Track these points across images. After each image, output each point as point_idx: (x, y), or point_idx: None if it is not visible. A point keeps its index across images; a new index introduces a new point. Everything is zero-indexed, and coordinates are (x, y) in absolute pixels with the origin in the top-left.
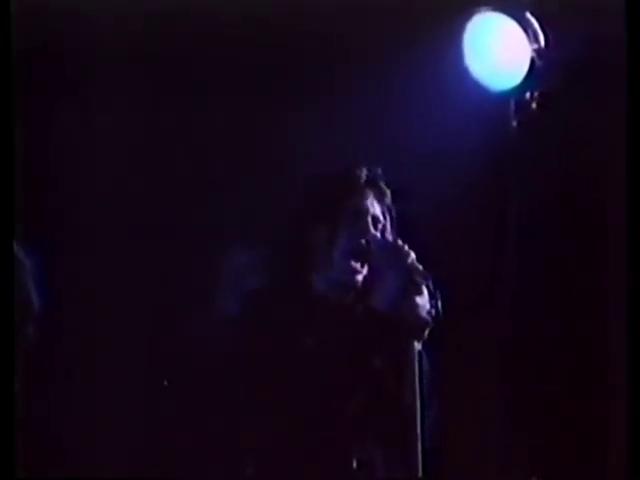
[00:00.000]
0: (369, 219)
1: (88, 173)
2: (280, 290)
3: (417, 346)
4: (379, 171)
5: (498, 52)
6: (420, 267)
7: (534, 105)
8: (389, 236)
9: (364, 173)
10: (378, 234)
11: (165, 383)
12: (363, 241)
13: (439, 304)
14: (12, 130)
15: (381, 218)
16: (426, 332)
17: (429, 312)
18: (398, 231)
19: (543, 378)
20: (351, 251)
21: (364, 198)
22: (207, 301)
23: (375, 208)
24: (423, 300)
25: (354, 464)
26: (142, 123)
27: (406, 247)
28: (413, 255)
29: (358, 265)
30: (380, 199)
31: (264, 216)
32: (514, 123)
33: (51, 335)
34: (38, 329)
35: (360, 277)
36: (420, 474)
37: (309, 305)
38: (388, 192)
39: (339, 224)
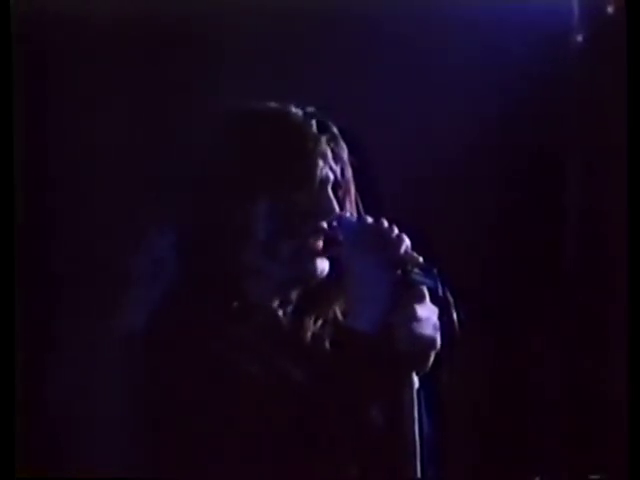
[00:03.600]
0: (329, 189)
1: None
2: (202, 292)
3: (416, 382)
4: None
5: None
6: (419, 258)
7: None
8: (357, 213)
9: (314, 120)
10: (348, 212)
11: None
12: (324, 224)
13: (454, 314)
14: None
15: (344, 187)
16: (430, 359)
17: (435, 327)
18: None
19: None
20: (306, 240)
21: (319, 157)
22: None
23: (336, 172)
24: (426, 310)
25: None
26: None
27: (395, 229)
28: (407, 241)
29: (318, 254)
30: (337, 158)
31: (180, 187)
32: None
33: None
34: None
35: (322, 271)
36: None
37: (244, 322)
38: (345, 146)
39: (283, 198)
